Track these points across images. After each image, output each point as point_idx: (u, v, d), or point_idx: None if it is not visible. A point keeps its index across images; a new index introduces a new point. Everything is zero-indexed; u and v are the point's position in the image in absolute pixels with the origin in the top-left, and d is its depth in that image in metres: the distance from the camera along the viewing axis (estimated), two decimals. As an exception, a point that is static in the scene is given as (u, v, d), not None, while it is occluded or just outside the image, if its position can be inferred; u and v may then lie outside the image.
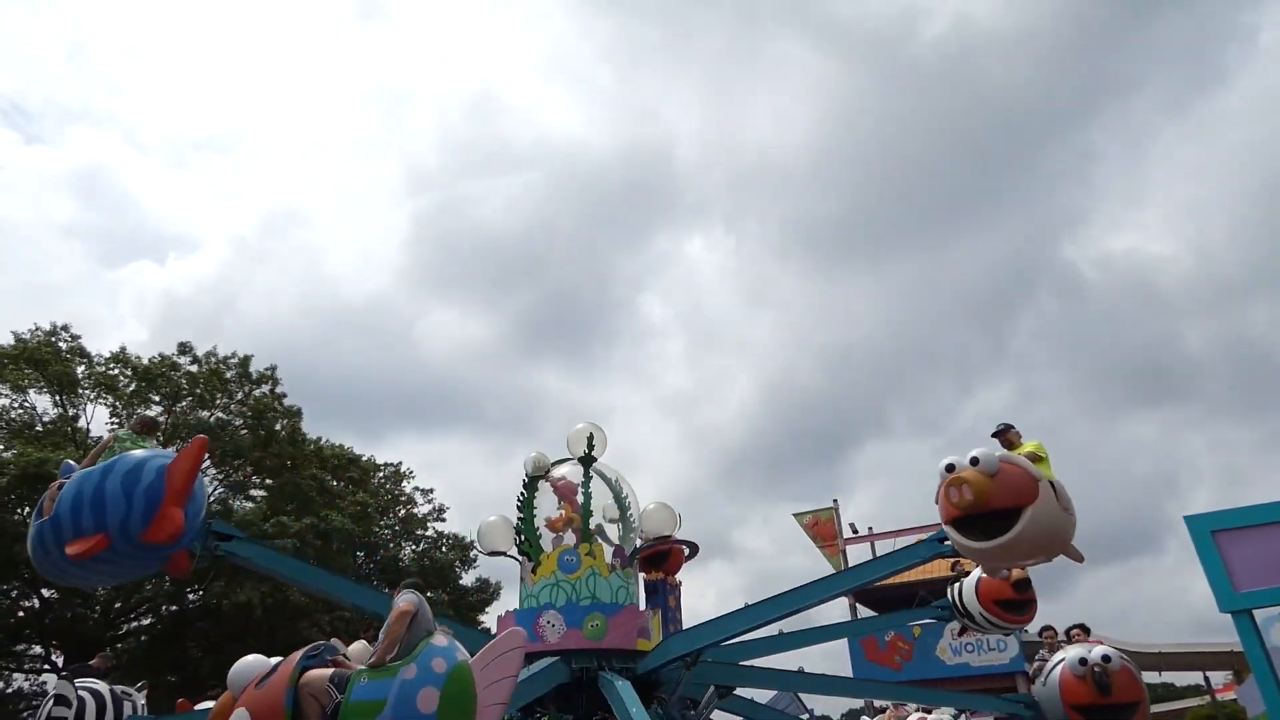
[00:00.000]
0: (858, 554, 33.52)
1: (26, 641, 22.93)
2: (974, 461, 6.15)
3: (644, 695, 8.47)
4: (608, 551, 9.67)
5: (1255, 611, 5.25)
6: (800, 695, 21.69)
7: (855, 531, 33.66)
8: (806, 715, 24.15)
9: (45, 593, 22.61)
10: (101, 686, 7.71)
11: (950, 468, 6.29)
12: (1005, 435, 7.18)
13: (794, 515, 33.95)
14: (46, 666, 24.14)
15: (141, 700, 8.38)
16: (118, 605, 23.80)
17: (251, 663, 4.60)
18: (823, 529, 32.96)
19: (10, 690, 23.96)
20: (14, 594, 22.50)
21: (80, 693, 7.43)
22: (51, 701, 7.44)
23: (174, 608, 24.98)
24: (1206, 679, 35.00)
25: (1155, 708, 42.92)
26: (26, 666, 24.19)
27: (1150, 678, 41.19)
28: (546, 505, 10.15)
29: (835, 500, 34.02)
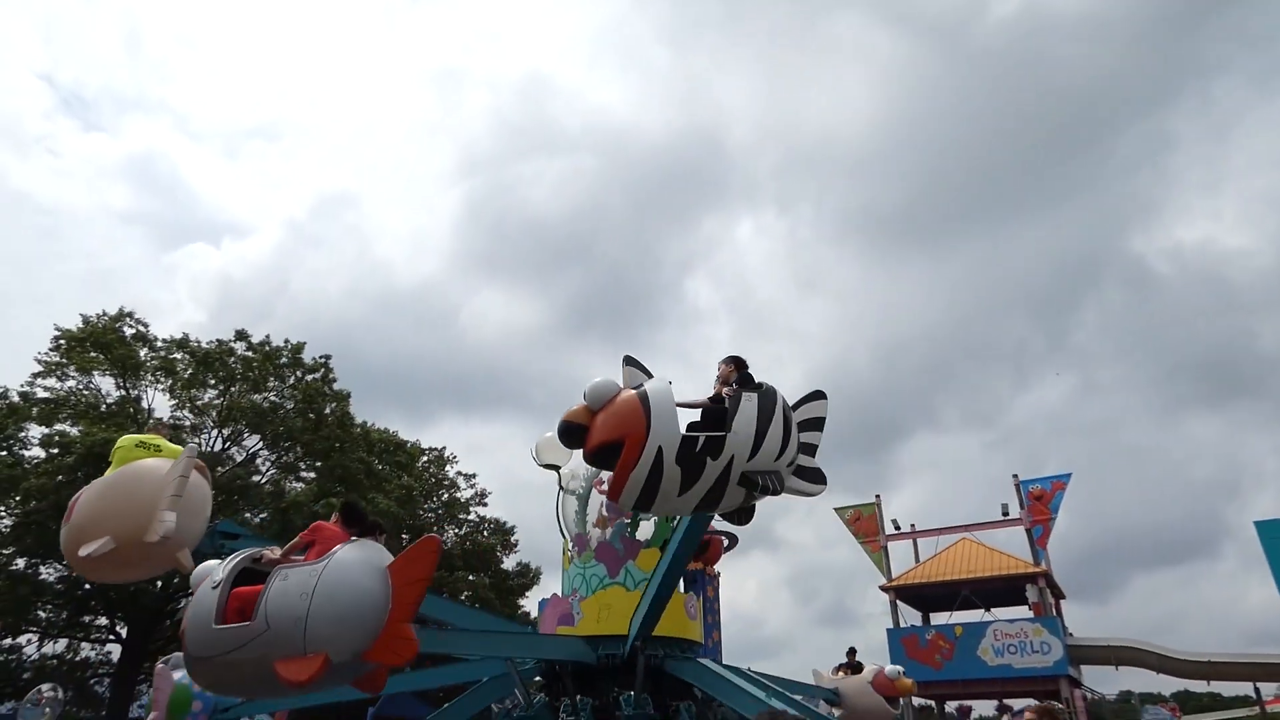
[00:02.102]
0: (899, 550, 33.32)
1: (92, 614, 23.99)
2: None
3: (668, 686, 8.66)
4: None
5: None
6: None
7: (897, 528, 33.40)
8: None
9: (109, 566, 23.63)
10: None
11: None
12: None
13: (836, 510, 33.80)
14: (111, 637, 25.26)
15: None
16: (176, 580, 24.74)
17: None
18: (864, 525, 32.77)
19: (79, 659, 25.13)
20: (80, 568, 23.56)
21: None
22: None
23: (229, 583, 25.89)
24: (1257, 690, 34.03)
25: (1202, 717, 41.89)
26: (93, 637, 25.34)
27: (1198, 687, 40.19)
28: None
29: (878, 496, 33.80)
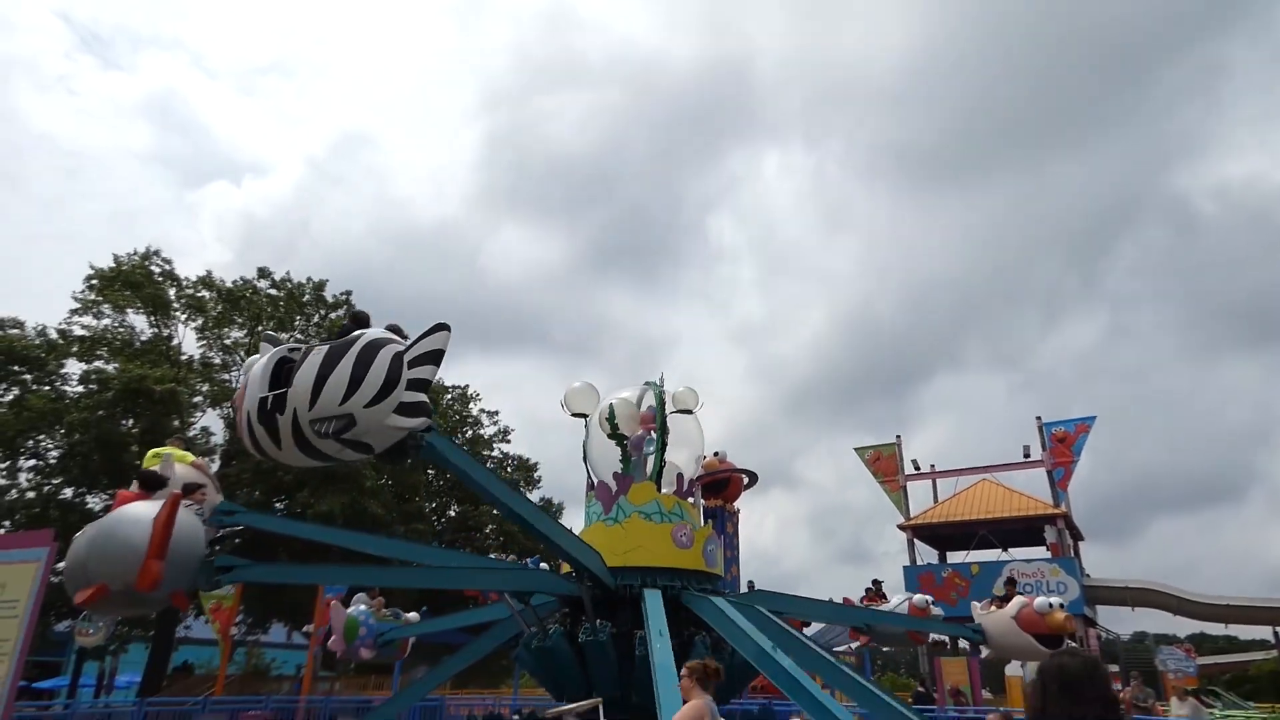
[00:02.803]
0: (918, 490, 33.55)
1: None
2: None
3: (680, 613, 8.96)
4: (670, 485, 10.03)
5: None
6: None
7: (917, 468, 33.58)
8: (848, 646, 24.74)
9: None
10: None
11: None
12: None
13: (855, 450, 34.00)
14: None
15: None
16: (210, 512, 25.67)
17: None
18: (884, 465, 32.99)
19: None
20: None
21: None
22: None
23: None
24: (1276, 634, 34.22)
25: (1218, 659, 42.28)
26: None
27: (1214, 630, 40.45)
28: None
29: (898, 436, 33.92)
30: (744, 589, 13.78)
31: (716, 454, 17.35)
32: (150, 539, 5.48)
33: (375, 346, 5.94)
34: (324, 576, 13.42)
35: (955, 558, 33.87)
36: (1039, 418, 31.02)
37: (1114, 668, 28.90)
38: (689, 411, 10.63)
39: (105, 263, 25.13)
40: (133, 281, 25.03)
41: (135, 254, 25.76)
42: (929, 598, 11.80)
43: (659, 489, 9.76)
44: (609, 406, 10.34)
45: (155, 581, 5.37)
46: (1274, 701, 25.69)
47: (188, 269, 28.54)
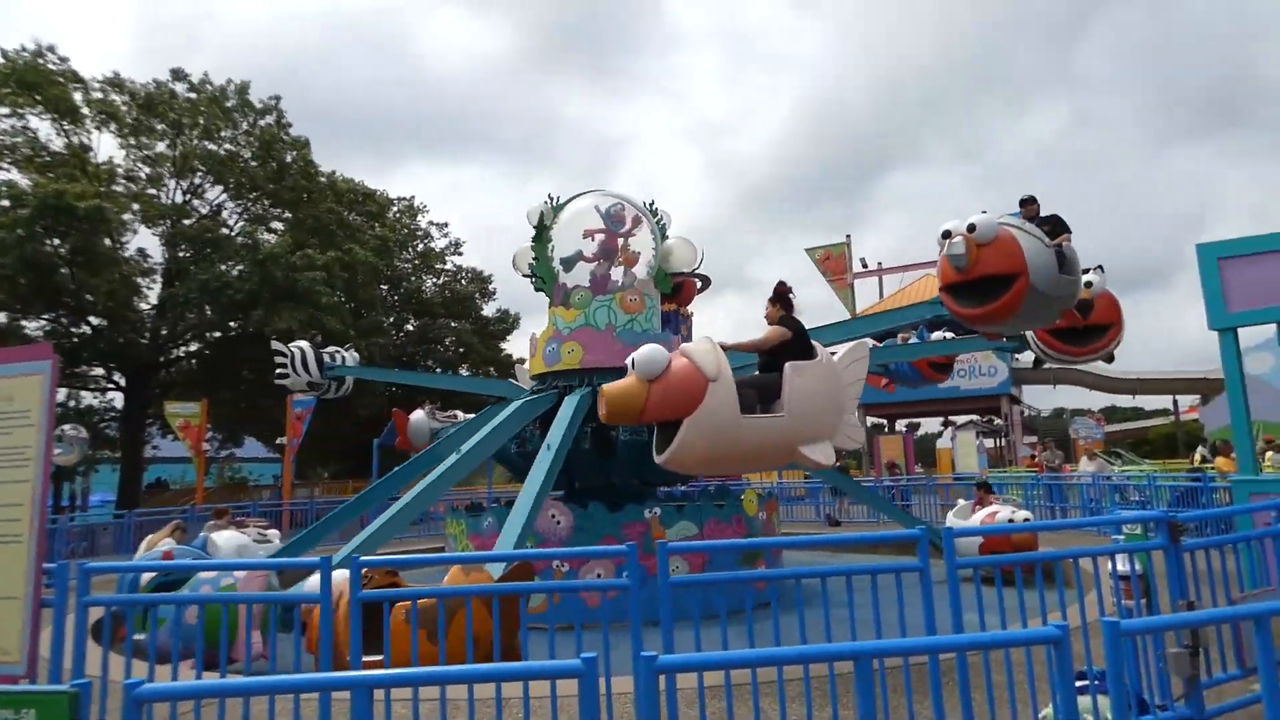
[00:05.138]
0: (865, 288, 34.69)
1: (86, 364, 24.74)
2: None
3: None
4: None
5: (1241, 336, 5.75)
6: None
7: (865, 266, 34.48)
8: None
9: (94, 320, 24.02)
10: None
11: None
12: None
13: (806, 250, 34.56)
14: (110, 385, 26.35)
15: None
16: (164, 332, 25.34)
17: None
18: (833, 264, 33.75)
19: (83, 406, 26.35)
20: (64, 321, 23.90)
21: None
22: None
23: (218, 334, 26.58)
24: (1175, 402, 37.80)
25: (1124, 426, 46.78)
26: (92, 387, 26.38)
27: (1124, 402, 44.37)
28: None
29: (848, 236, 34.49)
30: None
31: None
32: None
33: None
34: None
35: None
36: (984, 211, 31.65)
37: (1032, 439, 31.87)
38: (684, 274, 10.64)
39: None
40: (28, 81, 22.76)
41: (24, 50, 23.25)
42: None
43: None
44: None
45: None
46: (1166, 458, 28.98)
47: (86, 68, 25.73)
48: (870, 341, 5.51)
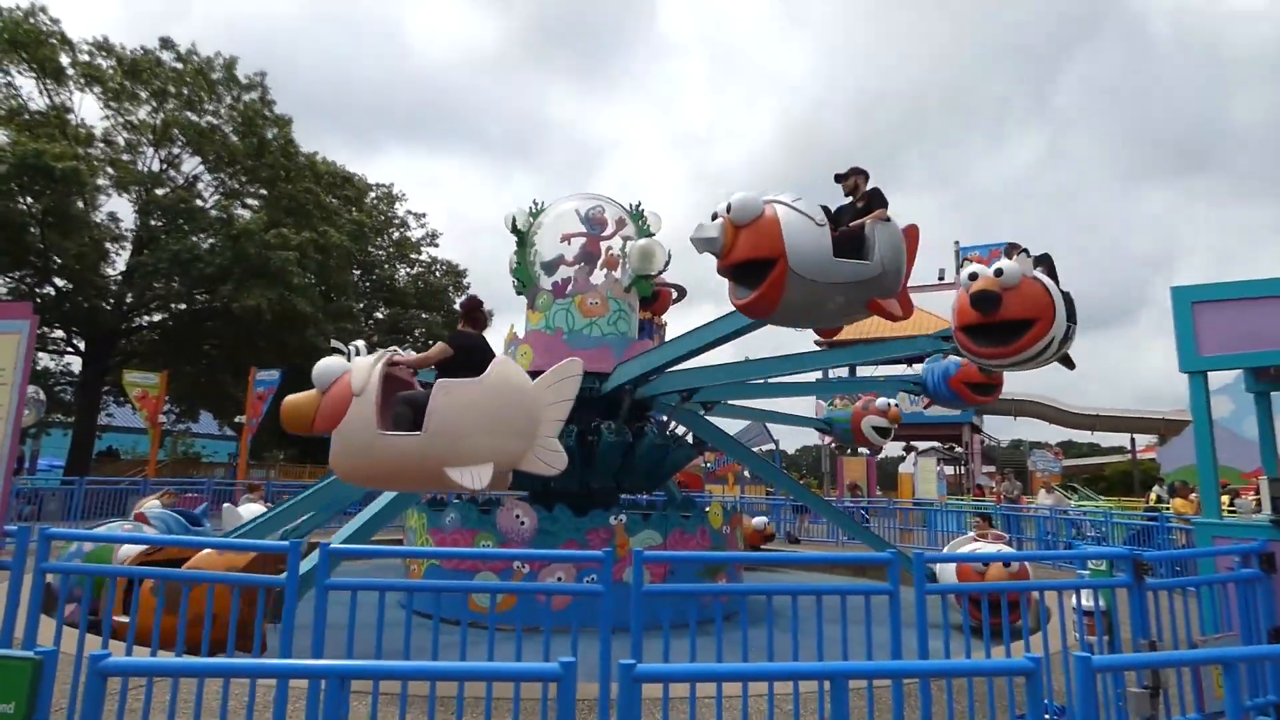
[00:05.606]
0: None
1: (47, 326, 24.07)
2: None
3: (614, 414, 9.57)
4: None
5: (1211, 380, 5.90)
6: (768, 426, 23.95)
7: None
8: (771, 446, 26.85)
9: (59, 282, 23.40)
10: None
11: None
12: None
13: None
14: (69, 349, 25.65)
15: None
16: (129, 300, 24.74)
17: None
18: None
19: (40, 368, 25.59)
20: (29, 281, 23.24)
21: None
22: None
23: (183, 306, 26.04)
24: (1132, 440, 38.70)
25: (1080, 461, 47.79)
26: (50, 349, 25.65)
27: (1081, 437, 45.35)
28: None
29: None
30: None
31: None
32: None
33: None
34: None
35: (863, 371, 36.15)
36: (956, 242, 32.30)
37: (990, 468, 32.41)
38: (648, 277, 10.35)
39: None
40: (18, 40, 22.25)
41: (17, 8, 22.69)
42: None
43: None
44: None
45: None
46: (1121, 496, 29.64)
47: (76, 30, 25.13)
48: (581, 361, 5.19)
